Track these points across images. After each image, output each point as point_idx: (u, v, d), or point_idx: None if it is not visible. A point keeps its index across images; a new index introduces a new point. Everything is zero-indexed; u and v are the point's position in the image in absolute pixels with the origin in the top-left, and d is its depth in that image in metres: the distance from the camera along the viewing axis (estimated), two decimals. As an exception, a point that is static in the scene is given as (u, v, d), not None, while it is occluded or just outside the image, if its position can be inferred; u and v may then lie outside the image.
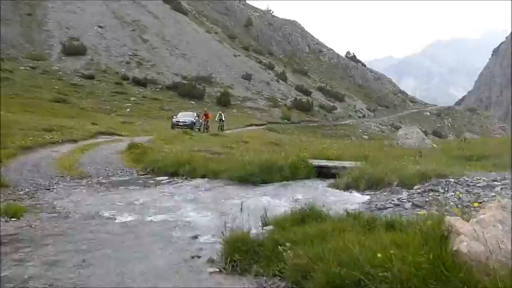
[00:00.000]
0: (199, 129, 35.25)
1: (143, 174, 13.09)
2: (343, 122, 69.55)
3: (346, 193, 8.69)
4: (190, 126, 34.46)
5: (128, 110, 47.02)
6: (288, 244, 4.30)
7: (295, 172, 11.54)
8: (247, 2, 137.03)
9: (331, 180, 10.21)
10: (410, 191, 7.51)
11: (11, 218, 6.81)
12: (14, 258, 4.86)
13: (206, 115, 37.56)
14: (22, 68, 52.58)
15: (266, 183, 10.60)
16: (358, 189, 8.71)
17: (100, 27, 71.85)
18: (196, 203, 8.22)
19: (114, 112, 44.81)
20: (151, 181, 11.68)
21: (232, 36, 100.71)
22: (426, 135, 29.77)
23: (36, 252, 5.11)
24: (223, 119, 38.55)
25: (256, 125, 48.19)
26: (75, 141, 20.16)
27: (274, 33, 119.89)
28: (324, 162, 12.68)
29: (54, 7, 71.79)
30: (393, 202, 6.74)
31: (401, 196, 7.15)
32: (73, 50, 61.59)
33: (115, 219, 6.89)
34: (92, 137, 22.60)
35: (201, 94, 60.10)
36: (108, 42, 68.92)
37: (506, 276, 2.85)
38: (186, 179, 11.84)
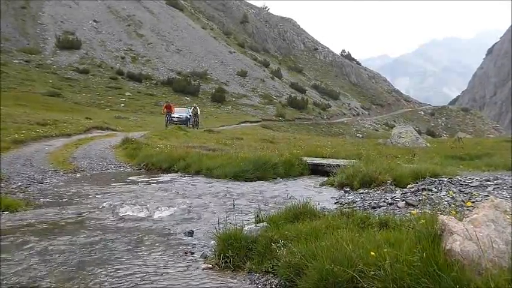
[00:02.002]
0: (192, 126, 35.09)
1: (137, 169, 13.09)
2: (338, 120, 69.75)
3: (340, 191, 8.72)
4: (185, 122, 34.46)
5: (123, 105, 46.87)
6: (281, 241, 4.31)
7: (289, 170, 11.61)
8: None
9: (325, 178, 10.25)
10: (404, 189, 7.53)
11: (4, 211, 6.78)
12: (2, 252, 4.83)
13: (168, 107, 33.55)
14: (16, 61, 52.23)
15: (260, 180, 10.63)
16: (352, 188, 8.74)
17: (95, 21, 71.48)
18: (189, 198, 8.19)
19: (108, 107, 44.64)
20: (144, 176, 11.64)
21: (227, 32, 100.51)
22: (420, 135, 29.91)
23: (25, 246, 5.08)
24: (199, 113, 34.67)
25: (250, 122, 48.17)
26: (69, 135, 20.09)
27: (269, 30, 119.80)
28: (318, 160, 12.75)
29: (49, 1, 71.26)
30: (387, 201, 6.76)
31: (394, 195, 7.17)
32: (67, 44, 61.19)
33: (107, 214, 6.85)
34: (85, 132, 22.53)
35: (196, 90, 60.04)
36: (103, 37, 68.58)
37: (498, 275, 2.87)
38: (180, 174, 11.84)
